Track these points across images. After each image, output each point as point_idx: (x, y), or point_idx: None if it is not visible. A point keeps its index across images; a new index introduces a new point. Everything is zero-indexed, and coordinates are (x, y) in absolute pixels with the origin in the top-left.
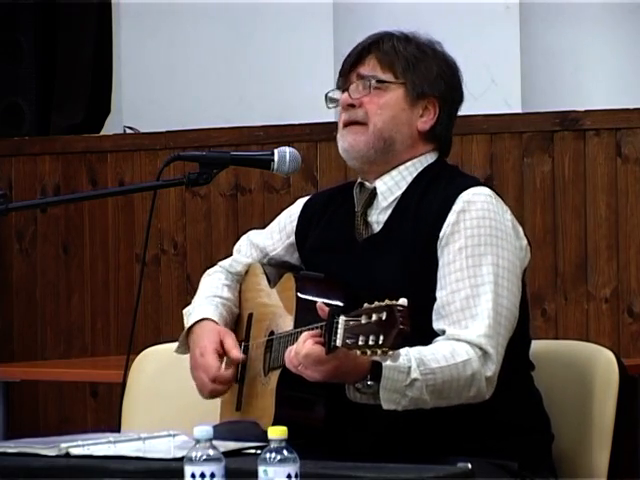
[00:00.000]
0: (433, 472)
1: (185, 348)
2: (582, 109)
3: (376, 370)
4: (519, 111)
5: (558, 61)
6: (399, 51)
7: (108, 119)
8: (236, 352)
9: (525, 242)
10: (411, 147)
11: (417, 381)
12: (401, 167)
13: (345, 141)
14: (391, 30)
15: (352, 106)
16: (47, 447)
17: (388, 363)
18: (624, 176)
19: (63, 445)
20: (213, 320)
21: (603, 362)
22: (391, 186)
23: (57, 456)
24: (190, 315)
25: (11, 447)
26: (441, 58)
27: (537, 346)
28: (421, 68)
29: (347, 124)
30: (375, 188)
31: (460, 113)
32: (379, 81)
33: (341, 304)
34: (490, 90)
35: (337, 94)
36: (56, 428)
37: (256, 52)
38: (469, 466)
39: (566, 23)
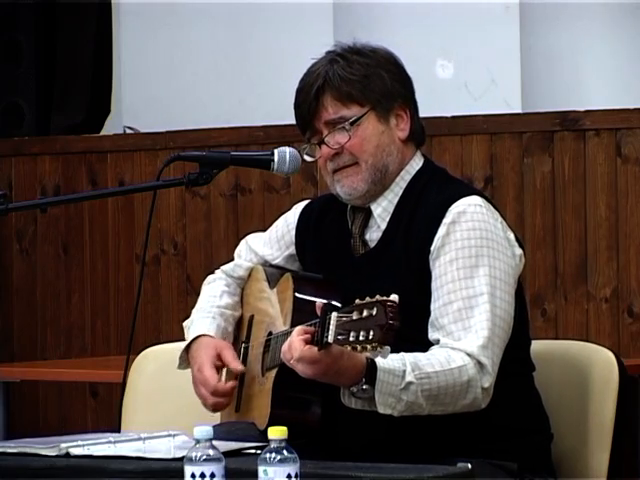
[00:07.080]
0: (433, 472)
1: (186, 364)
2: (582, 109)
3: (371, 373)
4: (519, 111)
5: (558, 61)
6: (348, 78)
7: (108, 119)
8: (236, 364)
9: (518, 250)
10: (401, 159)
11: (412, 384)
12: (392, 185)
13: (344, 185)
14: (325, 57)
15: (336, 154)
16: (47, 447)
17: (383, 366)
18: (624, 176)
19: (63, 445)
20: (210, 335)
21: (603, 362)
22: (385, 206)
23: (57, 456)
24: (189, 330)
25: (11, 447)
26: (384, 60)
27: (537, 346)
28: (376, 82)
29: (337, 170)
30: (370, 210)
31: (460, 113)
32: (352, 122)
33: (339, 304)
34: (490, 90)
35: (311, 152)
36: (56, 428)
37: (256, 52)
38: (469, 466)
39: (566, 23)
